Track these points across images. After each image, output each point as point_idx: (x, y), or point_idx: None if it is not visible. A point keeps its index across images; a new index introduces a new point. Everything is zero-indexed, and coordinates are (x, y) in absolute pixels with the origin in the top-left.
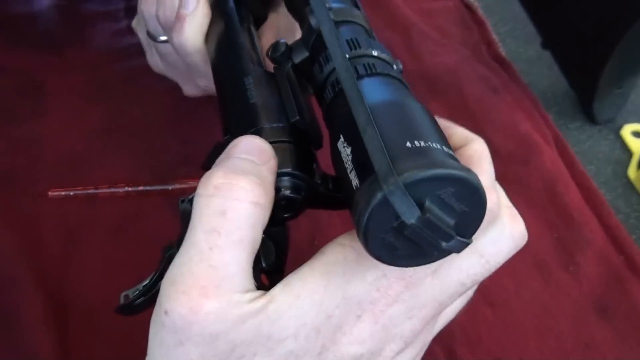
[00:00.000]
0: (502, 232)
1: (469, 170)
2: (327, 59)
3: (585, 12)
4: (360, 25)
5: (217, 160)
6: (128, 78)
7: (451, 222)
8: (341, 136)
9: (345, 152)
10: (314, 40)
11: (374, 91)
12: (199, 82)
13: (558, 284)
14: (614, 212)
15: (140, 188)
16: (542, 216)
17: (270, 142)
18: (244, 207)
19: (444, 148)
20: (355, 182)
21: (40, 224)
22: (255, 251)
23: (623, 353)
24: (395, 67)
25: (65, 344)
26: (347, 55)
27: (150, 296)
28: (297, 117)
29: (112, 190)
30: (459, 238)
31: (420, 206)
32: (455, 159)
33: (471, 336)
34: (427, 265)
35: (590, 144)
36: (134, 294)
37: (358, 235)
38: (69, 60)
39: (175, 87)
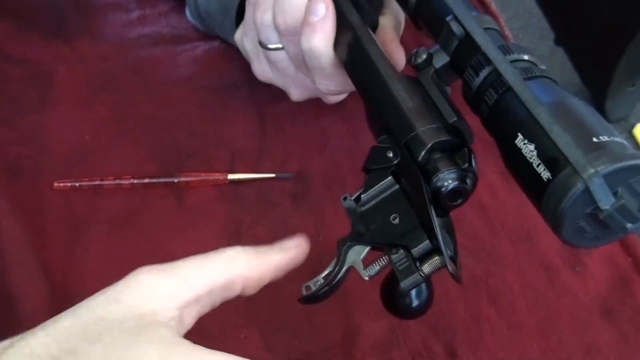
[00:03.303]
0: None
1: None
2: (481, 64)
3: (598, 9)
4: (496, 30)
5: None
6: (137, 69)
7: (637, 205)
8: (519, 135)
9: (528, 148)
10: (456, 46)
11: (541, 92)
12: (322, 84)
13: (564, 284)
14: None
15: (146, 180)
16: None
17: (432, 143)
18: None
19: (624, 140)
20: (545, 175)
21: (46, 214)
22: None
23: (626, 355)
24: (540, 67)
25: None
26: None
27: (333, 284)
28: (455, 118)
29: (118, 182)
30: None
31: (614, 193)
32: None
33: (473, 336)
34: None
35: None
36: (317, 285)
37: (551, 222)
38: (78, 50)
39: (184, 79)
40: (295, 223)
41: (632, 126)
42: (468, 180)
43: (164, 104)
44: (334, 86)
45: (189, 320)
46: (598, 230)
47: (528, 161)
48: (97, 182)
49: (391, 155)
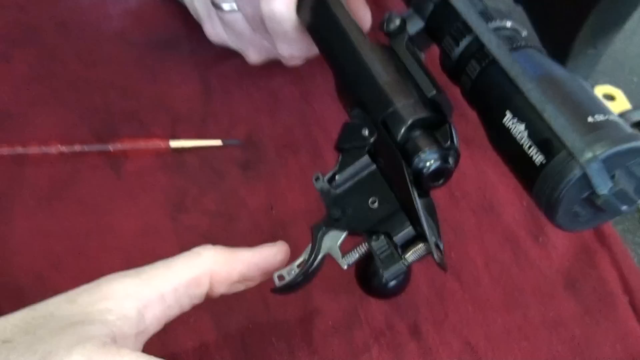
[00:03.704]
0: None
1: None
2: (461, 33)
3: None
4: None
5: None
6: (61, 21)
7: (633, 188)
8: (508, 113)
9: (517, 128)
10: (432, 11)
11: (528, 65)
12: (284, 50)
13: (527, 256)
14: None
15: (77, 148)
16: (513, 183)
17: (412, 120)
18: None
19: (620, 119)
20: (538, 158)
21: None
22: None
23: (590, 328)
24: (523, 33)
25: None
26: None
27: (309, 273)
28: (434, 92)
29: (44, 150)
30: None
31: (611, 177)
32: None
33: (437, 313)
34: None
35: None
36: (291, 274)
37: (544, 207)
38: None
39: (116, 34)
40: (245, 194)
41: (592, 87)
42: (450, 159)
43: (94, 61)
44: (297, 51)
45: (152, 321)
46: (592, 214)
47: (518, 142)
48: (20, 150)
49: (366, 133)
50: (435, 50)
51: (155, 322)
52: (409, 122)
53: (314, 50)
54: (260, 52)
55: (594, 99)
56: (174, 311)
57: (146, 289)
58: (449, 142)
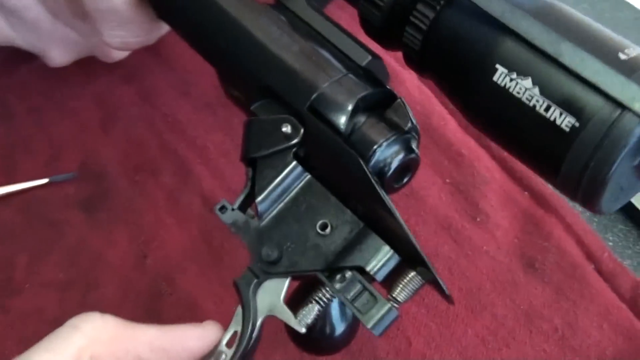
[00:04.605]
0: None
1: None
2: None
3: None
4: None
5: None
6: None
7: None
8: (499, 67)
9: (520, 86)
10: None
11: None
12: (113, 36)
13: (471, 243)
14: None
15: None
16: (428, 158)
17: (355, 101)
18: None
19: None
20: (566, 121)
21: None
22: None
23: (569, 313)
24: None
25: None
26: None
27: (247, 352)
28: (369, 58)
29: None
30: None
31: None
32: None
33: (398, 342)
34: None
35: None
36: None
37: (584, 191)
38: None
39: None
40: (100, 246)
41: None
42: (414, 145)
43: None
44: (132, 36)
45: None
46: (632, 185)
47: (527, 105)
48: None
49: (289, 129)
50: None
51: None
52: (351, 104)
53: (154, 31)
54: (67, 48)
55: (606, 31)
56: None
57: None
58: (408, 122)
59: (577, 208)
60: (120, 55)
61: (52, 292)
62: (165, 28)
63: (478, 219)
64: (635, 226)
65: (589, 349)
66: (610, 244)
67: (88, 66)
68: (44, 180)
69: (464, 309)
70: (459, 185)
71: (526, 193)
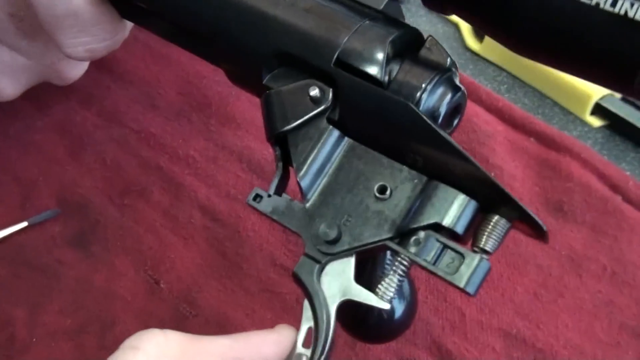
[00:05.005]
0: None
1: None
2: None
3: None
4: None
5: None
6: None
7: None
8: None
9: None
10: None
11: None
12: (75, 45)
13: None
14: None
15: None
16: None
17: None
18: None
19: None
20: None
21: None
22: None
23: (609, 246)
24: None
25: None
26: None
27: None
28: (386, 0)
29: None
30: None
31: None
32: None
33: (451, 314)
34: None
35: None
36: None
37: None
38: None
39: None
40: (104, 283)
41: None
42: (457, 81)
43: None
44: (97, 40)
45: None
46: None
47: (586, 4)
48: None
49: (317, 92)
50: None
51: None
52: (383, 51)
53: (120, 33)
54: (16, 76)
55: None
56: None
57: None
58: (447, 58)
59: (587, 142)
60: (76, 74)
61: (63, 341)
62: (128, 29)
63: (492, 174)
64: None
65: None
66: (628, 173)
67: (39, 96)
68: (23, 224)
69: (507, 267)
70: (463, 144)
71: (532, 139)
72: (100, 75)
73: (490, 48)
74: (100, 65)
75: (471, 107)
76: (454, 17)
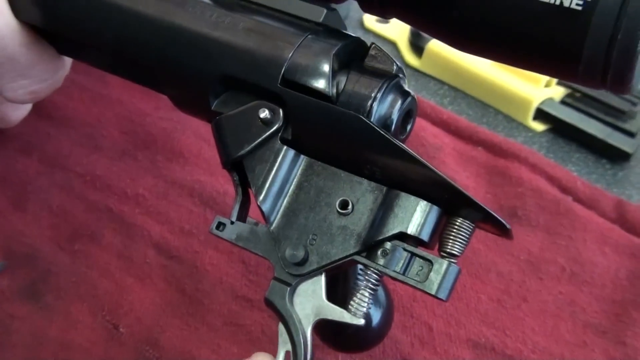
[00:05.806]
0: None
1: None
2: None
3: None
4: None
5: None
6: None
7: None
8: None
9: None
10: None
11: None
12: (15, 89)
13: None
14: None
15: None
16: None
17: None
18: None
19: None
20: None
21: None
22: None
23: (565, 247)
24: None
25: None
26: None
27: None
28: (325, 11)
29: None
30: None
31: None
32: None
33: (419, 329)
34: None
35: None
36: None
37: (616, 68)
38: None
39: None
40: (60, 333)
41: (361, 19)
42: (405, 85)
43: None
44: (38, 82)
45: None
46: None
47: None
48: None
49: (266, 114)
50: None
51: None
52: (328, 64)
53: (60, 70)
54: None
55: None
56: None
57: None
58: (393, 64)
59: (532, 147)
60: (19, 116)
61: None
62: (69, 65)
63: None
64: (589, 151)
65: (601, 277)
66: (575, 173)
67: None
68: None
69: (469, 277)
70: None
71: (479, 148)
72: (39, 121)
73: (430, 63)
74: (38, 110)
75: (417, 122)
76: (392, 35)
